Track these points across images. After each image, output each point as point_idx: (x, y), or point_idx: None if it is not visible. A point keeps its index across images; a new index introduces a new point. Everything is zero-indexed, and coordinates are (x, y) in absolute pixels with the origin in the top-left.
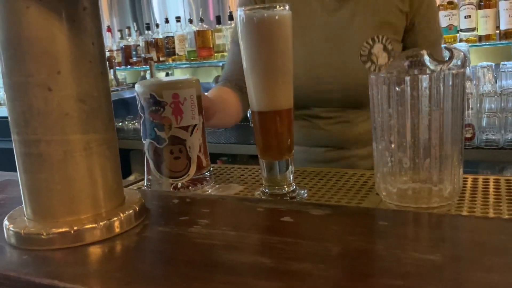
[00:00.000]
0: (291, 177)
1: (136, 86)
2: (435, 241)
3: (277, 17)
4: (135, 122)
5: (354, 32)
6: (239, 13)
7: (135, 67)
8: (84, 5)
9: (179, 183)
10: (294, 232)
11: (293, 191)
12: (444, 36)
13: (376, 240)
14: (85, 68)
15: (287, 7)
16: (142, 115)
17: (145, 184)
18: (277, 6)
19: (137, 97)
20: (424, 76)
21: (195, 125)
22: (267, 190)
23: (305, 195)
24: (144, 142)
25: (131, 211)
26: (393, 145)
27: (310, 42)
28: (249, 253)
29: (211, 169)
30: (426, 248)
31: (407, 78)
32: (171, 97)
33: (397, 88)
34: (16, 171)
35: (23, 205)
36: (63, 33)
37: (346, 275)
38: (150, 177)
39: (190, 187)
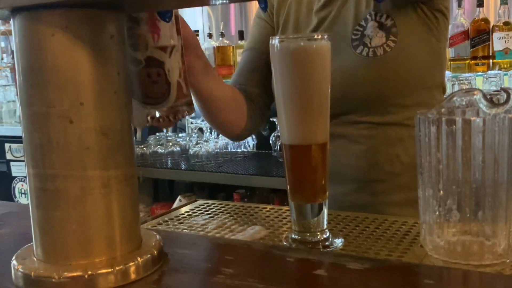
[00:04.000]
0: (325, 223)
1: None
2: None
3: (315, 46)
4: (143, 147)
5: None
6: (273, 42)
7: None
8: (111, 33)
9: (157, 113)
10: None
11: (327, 239)
12: (499, 61)
13: None
14: (109, 100)
15: (325, 37)
16: None
17: None
18: (315, 36)
19: None
20: (477, 119)
21: (173, 46)
22: (296, 236)
23: (340, 244)
24: None
25: (148, 255)
26: (441, 193)
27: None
28: None
29: (191, 99)
30: None
31: (458, 120)
32: (146, 12)
33: (447, 130)
34: (10, 200)
35: (33, 244)
36: (88, 62)
37: None
38: None
39: (169, 117)
